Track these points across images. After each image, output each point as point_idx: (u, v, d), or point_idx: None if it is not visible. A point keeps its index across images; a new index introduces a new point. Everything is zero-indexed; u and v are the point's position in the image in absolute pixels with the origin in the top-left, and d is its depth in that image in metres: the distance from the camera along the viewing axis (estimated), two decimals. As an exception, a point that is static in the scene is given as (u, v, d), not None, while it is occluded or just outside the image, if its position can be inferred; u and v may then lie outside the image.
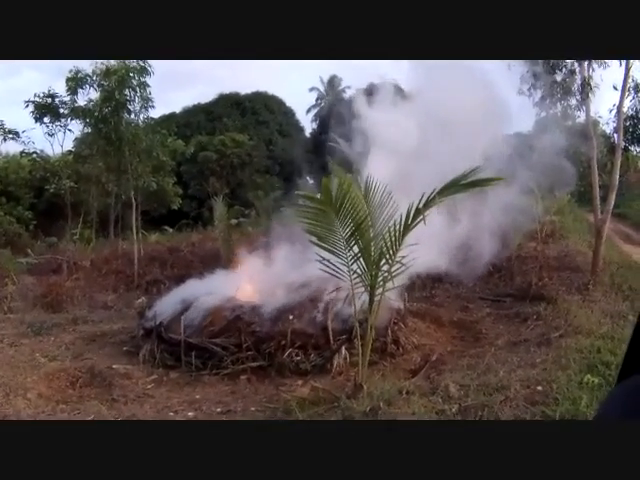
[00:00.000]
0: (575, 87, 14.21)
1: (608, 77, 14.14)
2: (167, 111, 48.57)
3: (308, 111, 64.47)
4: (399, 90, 13.67)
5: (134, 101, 20.30)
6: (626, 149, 15.59)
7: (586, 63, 13.79)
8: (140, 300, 14.01)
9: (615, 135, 14.61)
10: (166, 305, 11.75)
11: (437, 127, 11.41)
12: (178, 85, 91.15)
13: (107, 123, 19.96)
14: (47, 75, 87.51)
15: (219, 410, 8.50)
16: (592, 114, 14.61)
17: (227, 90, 53.77)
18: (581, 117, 14.91)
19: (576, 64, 13.99)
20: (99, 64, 20.25)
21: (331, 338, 10.01)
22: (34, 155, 23.71)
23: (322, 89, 65.10)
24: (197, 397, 9.14)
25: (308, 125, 61.18)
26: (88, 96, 20.74)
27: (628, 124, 15.29)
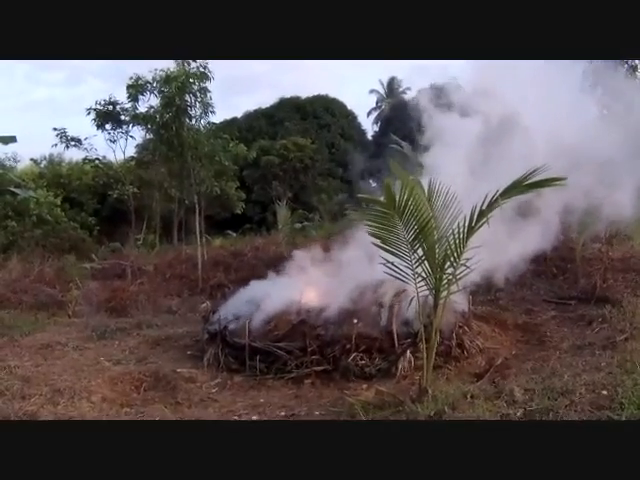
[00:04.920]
0: (637, 83, 13.95)
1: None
2: (229, 116, 49.00)
3: (369, 114, 64.65)
4: (461, 90, 13.52)
5: (195, 106, 20.45)
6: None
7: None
8: (204, 304, 14.07)
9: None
10: (230, 309, 11.78)
11: (503, 128, 11.28)
12: (241, 90, 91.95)
13: (168, 129, 20.15)
14: (110, 83, 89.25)
15: (283, 414, 8.43)
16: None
17: (288, 94, 54.11)
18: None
19: (637, 60, 13.74)
20: (159, 71, 20.51)
21: (396, 342, 9.91)
22: (96, 162, 24.01)
23: (382, 91, 65.15)
24: (261, 401, 9.08)
25: (369, 128, 61.36)
26: (149, 102, 21.04)
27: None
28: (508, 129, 10.96)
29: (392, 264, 7.91)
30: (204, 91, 20.44)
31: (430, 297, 8.00)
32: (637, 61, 13.63)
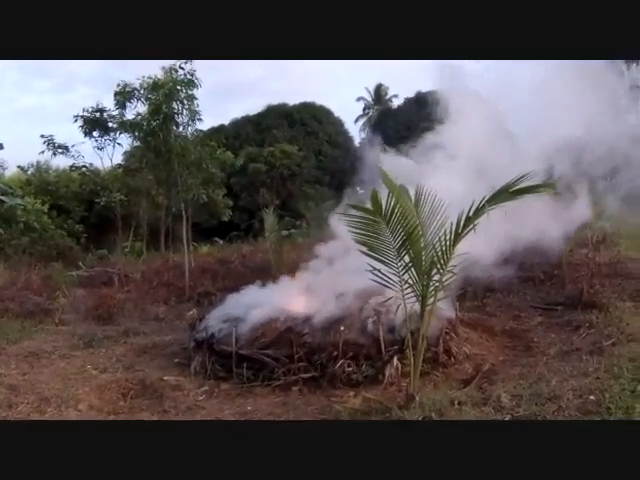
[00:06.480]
0: (624, 89, 13.96)
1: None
2: (216, 123, 49.14)
3: (356, 120, 64.94)
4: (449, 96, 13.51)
5: (182, 114, 20.49)
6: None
7: (634, 65, 13.58)
8: (191, 312, 14.05)
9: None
10: (217, 317, 11.76)
11: (496, 132, 11.32)
12: (229, 97, 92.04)
13: (155, 136, 20.18)
14: (100, 91, 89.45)
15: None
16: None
17: (275, 101, 54.40)
18: (633, 120, 14.64)
19: (624, 66, 13.75)
20: (146, 78, 20.54)
21: (383, 349, 9.92)
22: (84, 169, 23.95)
23: (369, 98, 65.46)
24: (248, 408, 9.05)
25: (357, 134, 61.71)
26: (136, 110, 21.04)
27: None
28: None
29: (379, 271, 7.92)
30: (191, 98, 20.50)
31: (417, 304, 8.00)
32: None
